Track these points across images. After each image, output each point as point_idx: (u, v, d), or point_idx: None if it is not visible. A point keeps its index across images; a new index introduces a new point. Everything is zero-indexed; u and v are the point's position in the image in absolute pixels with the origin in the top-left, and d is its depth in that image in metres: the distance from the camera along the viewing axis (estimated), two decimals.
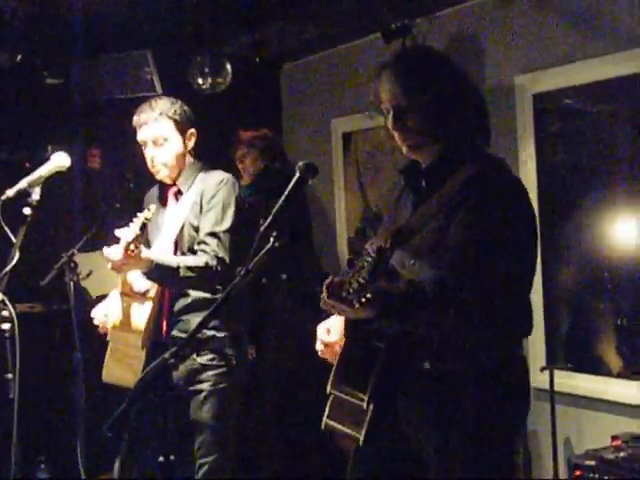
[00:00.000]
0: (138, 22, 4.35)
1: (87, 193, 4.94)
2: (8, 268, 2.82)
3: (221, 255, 3.18)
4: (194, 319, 3.19)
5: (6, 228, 2.81)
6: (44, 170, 2.96)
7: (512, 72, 4.19)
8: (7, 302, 2.85)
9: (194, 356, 3.22)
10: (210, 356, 3.23)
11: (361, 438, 2.28)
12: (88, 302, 3.89)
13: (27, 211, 2.86)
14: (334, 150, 5.41)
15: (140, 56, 4.54)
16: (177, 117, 3.29)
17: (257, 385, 4.30)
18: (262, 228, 2.17)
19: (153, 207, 3.07)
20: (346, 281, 1.97)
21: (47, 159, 3.01)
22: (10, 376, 2.83)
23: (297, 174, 2.24)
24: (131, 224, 2.96)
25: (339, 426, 2.36)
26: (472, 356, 2.20)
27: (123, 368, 3.23)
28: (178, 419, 3.24)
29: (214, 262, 3.15)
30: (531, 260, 2.26)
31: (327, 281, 2.06)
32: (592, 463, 3.39)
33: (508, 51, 4.23)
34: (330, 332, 2.46)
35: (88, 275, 4.05)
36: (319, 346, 2.48)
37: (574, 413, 3.94)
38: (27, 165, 4.31)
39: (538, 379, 3.75)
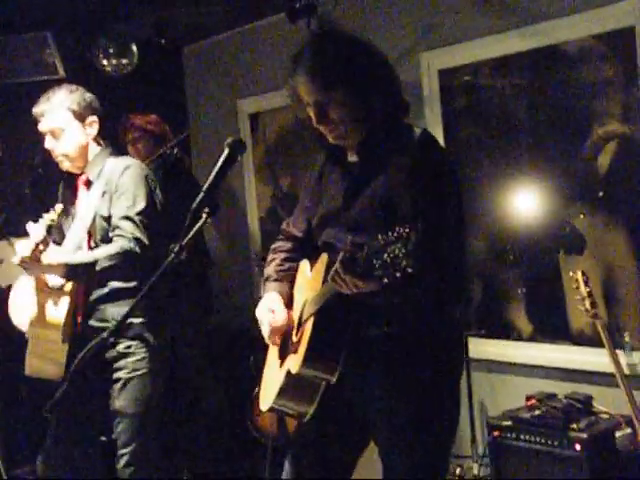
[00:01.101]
0: (38, 1, 4.20)
1: None
2: None
3: (138, 236, 3.12)
4: (110, 309, 3.16)
5: None
6: None
7: (417, 49, 4.27)
8: None
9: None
10: (127, 343, 3.17)
11: (310, 413, 2.31)
12: None
13: None
14: (241, 131, 5.39)
15: (40, 38, 4.40)
16: (75, 107, 3.22)
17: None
18: (193, 205, 2.16)
19: (59, 207, 3.07)
20: (361, 257, 1.89)
21: None
22: None
23: (226, 150, 2.23)
24: (41, 220, 2.93)
25: (286, 408, 2.37)
26: (416, 318, 2.26)
27: (46, 362, 3.16)
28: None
29: (131, 244, 3.10)
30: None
31: (340, 257, 1.98)
32: (509, 423, 3.53)
33: (412, 28, 4.30)
34: (275, 312, 2.43)
35: None
36: (267, 331, 2.43)
37: (488, 378, 4.09)
38: None
39: None
